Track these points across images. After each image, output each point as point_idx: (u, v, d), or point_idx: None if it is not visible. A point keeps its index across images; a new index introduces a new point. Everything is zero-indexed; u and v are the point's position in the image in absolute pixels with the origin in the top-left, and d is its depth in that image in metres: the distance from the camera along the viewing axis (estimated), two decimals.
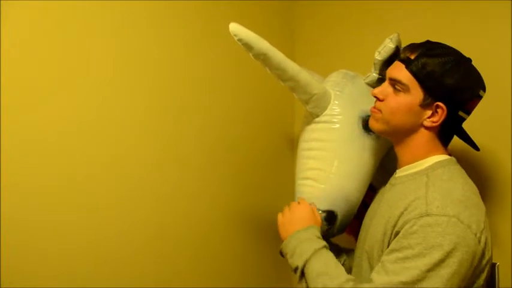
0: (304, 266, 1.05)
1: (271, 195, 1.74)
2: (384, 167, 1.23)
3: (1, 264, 1.05)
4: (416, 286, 0.91)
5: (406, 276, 0.92)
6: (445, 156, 1.09)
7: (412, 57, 1.06)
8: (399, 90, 1.07)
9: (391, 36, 1.18)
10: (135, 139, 1.31)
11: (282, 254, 1.15)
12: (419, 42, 1.11)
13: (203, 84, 1.51)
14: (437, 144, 1.10)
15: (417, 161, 1.09)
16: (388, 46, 1.18)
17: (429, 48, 1.07)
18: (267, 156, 1.72)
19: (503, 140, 1.44)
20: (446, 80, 1.04)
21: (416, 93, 1.05)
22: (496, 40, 1.47)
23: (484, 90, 1.10)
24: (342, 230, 1.23)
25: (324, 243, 1.08)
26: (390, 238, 1.01)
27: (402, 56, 1.09)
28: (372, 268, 1.06)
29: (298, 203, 1.19)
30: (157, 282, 1.37)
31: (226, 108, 1.57)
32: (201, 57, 1.49)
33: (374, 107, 1.13)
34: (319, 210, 1.18)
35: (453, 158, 1.10)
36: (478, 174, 1.46)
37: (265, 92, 1.71)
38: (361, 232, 1.20)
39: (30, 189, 1.11)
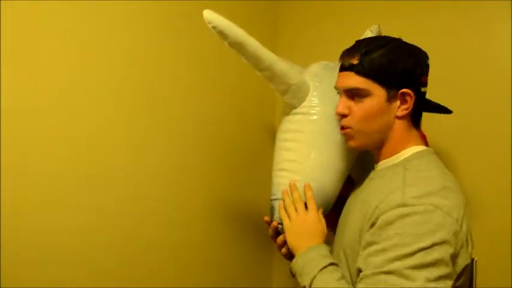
0: (310, 285, 1.01)
1: (252, 187, 1.74)
2: (363, 161, 1.21)
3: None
4: (401, 273, 0.87)
5: (389, 267, 0.88)
6: (422, 147, 1.07)
7: (355, 61, 1.04)
8: (361, 97, 1.04)
9: (371, 28, 1.18)
10: (114, 131, 1.32)
11: (292, 273, 1.09)
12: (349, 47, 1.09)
13: (184, 76, 1.51)
14: (413, 131, 1.08)
15: (395, 154, 1.07)
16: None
17: (365, 46, 1.05)
18: (247, 148, 1.72)
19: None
20: (398, 66, 1.02)
21: (378, 92, 1.03)
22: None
23: (427, 56, 1.08)
24: None
25: (329, 260, 1.03)
26: (367, 233, 0.97)
27: (346, 64, 1.06)
28: (349, 269, 1.03)
29: (307, 206, 1.13)
30: (135, 276, 1.37)
31: (207, 100, 1.58)
32: (183, 51, 1.50)
33: (343, 128, 1.09)
34: None
35: (430, 149, 1.08)
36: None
37: (246, 83, 1.71)
38: (338, 228, 1.17)
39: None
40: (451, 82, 1.48)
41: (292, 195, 1.15)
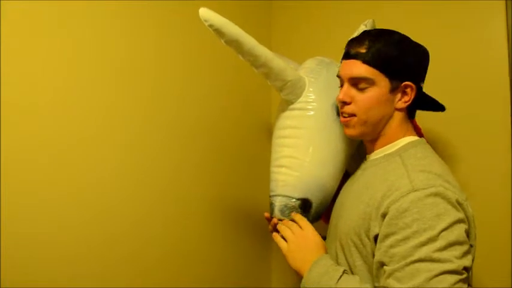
0: None
1: (250, 185, 1.74)
2: (359, 154, 1.21)
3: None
4: (432, 258, 0.86)
5: (418, 255, 0.87)
6: (415, 137, 1.08)
7: (363, 50, 1.03)
8: (365, 86, 1.04)
9: (365, 22, 1.18)
10: (113, 131, 1.32)
11: None
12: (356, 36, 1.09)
13: (181, 75, 1.52)
14: (408, 123, 1.09)
15: (390, 143, 1.08)
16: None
17: (373, 36, 1.05)
18: (245, 146, 1.72)
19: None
20: (403, 59, 1.03)
21: (383, 83, 1.03)
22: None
23: (428, 53, 1.10)
24: (317, 218, 1.20)
25: (341, 268, 1.01)
26: (375, 221, 0.96)
27: (352, 52, 1.05)
28: (347, 258, 1.03)
29: (300, 226, 1.11)
30: (134, 275, 1.37)
31: (204, 99, 1.59)
32: (179, 50, 1.51)
33: (343, 115, 1.08)
34: (293, 198, 1.16)
35: (423, 139, 1.09)
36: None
37: (242, 80, 1.71)
38: (331, 220, 1.17)
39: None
40: (449, 82, 1.47)
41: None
